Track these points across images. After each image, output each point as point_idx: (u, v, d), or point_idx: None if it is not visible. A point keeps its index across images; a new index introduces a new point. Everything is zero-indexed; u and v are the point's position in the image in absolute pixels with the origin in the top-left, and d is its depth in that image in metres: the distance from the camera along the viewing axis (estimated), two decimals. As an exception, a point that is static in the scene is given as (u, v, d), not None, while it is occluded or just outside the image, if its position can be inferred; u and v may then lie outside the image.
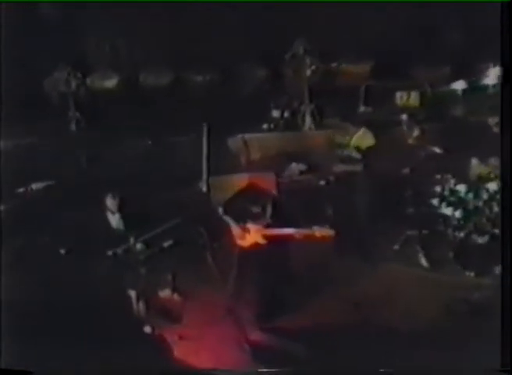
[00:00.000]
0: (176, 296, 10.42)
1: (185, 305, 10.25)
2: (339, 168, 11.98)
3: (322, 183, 12.01)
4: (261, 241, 10.36)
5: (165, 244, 10.91)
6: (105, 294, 10.18)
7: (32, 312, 9.99)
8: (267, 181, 11.72)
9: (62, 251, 10.92)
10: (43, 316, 9.92)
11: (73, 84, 13.10)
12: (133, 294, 10.35)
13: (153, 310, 10.28)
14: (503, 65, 10.56)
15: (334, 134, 12.50)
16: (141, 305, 10.30)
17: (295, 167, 12.26)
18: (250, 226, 10.47)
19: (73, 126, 13.19)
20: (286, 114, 13.15)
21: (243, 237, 10.45)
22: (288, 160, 12.37)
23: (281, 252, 10.44)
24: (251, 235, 10.43)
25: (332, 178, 12.03)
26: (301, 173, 12.22)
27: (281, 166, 12.28)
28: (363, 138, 12.20)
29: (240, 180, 11.78)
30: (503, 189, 10.43)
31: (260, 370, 9.47)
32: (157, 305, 10.32)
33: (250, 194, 10.90)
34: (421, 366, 9.26)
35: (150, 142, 12.80)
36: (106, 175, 11.90)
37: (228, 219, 10.68)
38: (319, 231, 10.25)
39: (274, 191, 11.56)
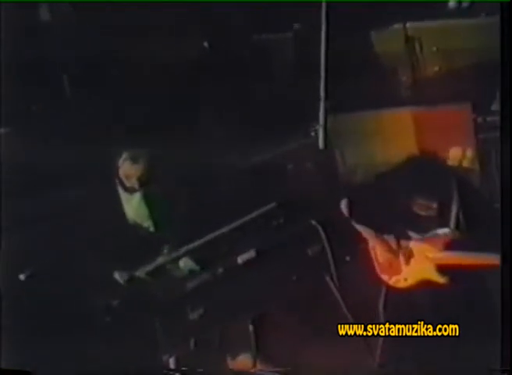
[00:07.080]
0: (259, 365, 6.19)
1: (279, 384, 6.17)
2: None
3: None
4: (438, 277, 6.36)
5: (240, 259, 6.33)
6: (117, 364, 6.10)
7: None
8: (455, 125, 6.65)
9: (22, 277, 6.48)
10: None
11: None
12: (171, 362, 5.86)
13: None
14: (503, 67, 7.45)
15: None
16: (190, 385, 5.96)
17: (515, 93, 7.15)
18: (413, 245, 6.42)
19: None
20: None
21: (395, 270, 6.44)
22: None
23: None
24: (413, 266, 6.44)
25: None
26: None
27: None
28: None
29: (397, 123, 6.65)
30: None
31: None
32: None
33: (417, 161, 6.63)
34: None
35: (206, 44, 6.91)
36: (114, 117, 6.65)
37: (362, 228, 6.57)
38: None
39: (469, 149, 6.71)
